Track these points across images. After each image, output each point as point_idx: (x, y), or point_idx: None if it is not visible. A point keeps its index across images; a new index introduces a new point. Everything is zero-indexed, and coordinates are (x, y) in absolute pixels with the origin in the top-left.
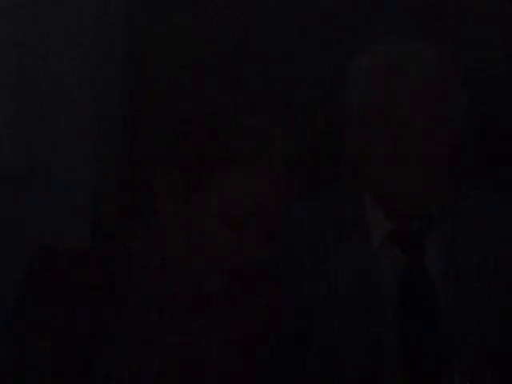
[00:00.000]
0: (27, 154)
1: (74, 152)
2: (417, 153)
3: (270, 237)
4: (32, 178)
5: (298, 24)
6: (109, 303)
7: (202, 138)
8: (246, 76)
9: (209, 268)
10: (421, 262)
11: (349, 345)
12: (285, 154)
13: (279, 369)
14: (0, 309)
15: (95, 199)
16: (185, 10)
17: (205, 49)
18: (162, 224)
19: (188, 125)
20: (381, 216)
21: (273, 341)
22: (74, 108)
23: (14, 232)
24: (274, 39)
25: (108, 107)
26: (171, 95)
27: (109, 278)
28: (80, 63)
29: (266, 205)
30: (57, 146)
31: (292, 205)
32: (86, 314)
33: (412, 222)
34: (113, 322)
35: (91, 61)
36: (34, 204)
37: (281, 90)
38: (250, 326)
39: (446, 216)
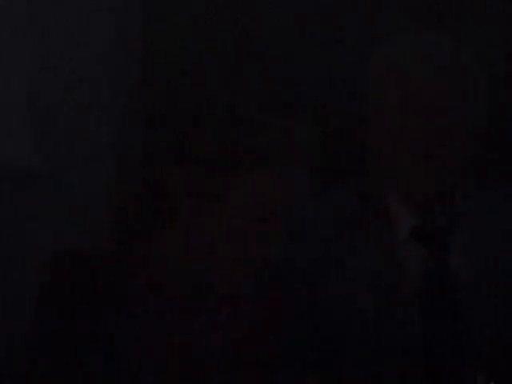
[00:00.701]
0: (46, 157)
1: (94, 154)
2: (441, 149)
3: (293, 236)
4: (51, 181)
5: (315, 23)
6: (128, 306)
7: (225, 138)
8: (270, 78)
9: (233, 268)
10: (445, 259)
11: (372, 343)
12: (307, 153)
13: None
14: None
15: (117, 202)
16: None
17: (221, 50)
18: (184, 225)
19: (210, 126)
20: (404, 212)
21: (288, 343)
22: (93, 110)
23: (33, 235)
24: (292, 40)
25: (127, 109)
26: (193, 96)
27: (129, 281)
28: (98, 64)
29: (289, 204)
30: (76, 148)
31: (313, 202)
32: (109, 315)
33: (436, 219)
34: (135, 323)
35: (109, 64)
36: (52, 206)
37: (303, 91)
38: (264, 329)
39: (470, 212)
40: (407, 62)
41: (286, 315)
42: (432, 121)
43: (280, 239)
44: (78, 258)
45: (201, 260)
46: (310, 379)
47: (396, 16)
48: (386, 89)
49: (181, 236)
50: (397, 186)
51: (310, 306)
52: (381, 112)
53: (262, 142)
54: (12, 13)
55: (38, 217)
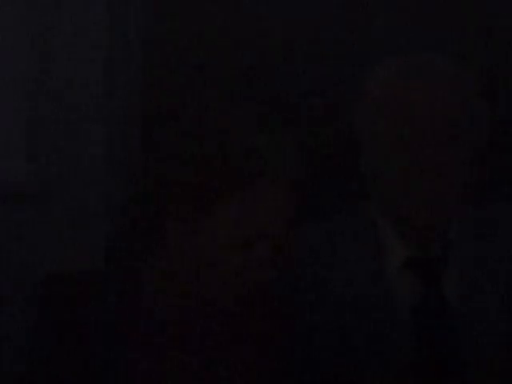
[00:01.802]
0: (39, 175)
1: (86, 173)
2: (433, 176)
3: (281, 258)
4: (44, 199)
5: (302, 39)
6: (120, 327)
7: (212, 159)
8: (255, 96)
9: (218, 289)
10: (439, 289)
11: (361, 371)
12: (293, 176)
13: None
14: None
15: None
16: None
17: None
18: (172, 246)
19: (197, 147)
20: (396, 241)
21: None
22: (87, 132)
23: (24, 256)
24: (282, 57)
25: (121, 129)
26: (182, 116)
27: (121, 300)
28: (93, 83)
29: (276, 226)
30: (69, 167)
31: (305, 228)
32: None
33: (430, 248)
34: (125, 344)
35: (106, 77)
36: (44, 226)
37: (292, 111)
38: (255, 350)
39: (465, 240)
40: (405, 86)
41: (275, 339)
42: (430, 148)
43: (265, 261)
44: (70, 278)
45: (189, 280)
46: None
47: (393, 36)
48: (381, 114)
49: (168, 259)
50: (392, 213)
51: (299, 328)
52: (375, 138)
53: (247, 163)
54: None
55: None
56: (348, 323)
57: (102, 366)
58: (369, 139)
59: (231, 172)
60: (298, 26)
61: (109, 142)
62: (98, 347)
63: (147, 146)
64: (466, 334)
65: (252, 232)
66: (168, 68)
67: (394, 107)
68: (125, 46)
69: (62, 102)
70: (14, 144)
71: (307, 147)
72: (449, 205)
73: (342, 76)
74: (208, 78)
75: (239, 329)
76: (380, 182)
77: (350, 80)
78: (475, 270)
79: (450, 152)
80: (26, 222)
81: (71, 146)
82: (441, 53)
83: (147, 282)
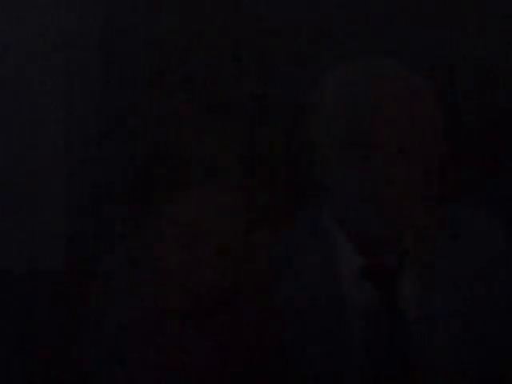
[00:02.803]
0: None
1: (44, 172)
2: (388, 185)
3: (226, 259)
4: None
5: (258, 49)
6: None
7: (158, 160)
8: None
9: (164, 290)
10: (393, 299)
11: (313, 380)
12: (240, 179)
13: None
14: None
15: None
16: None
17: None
18: (123, 247)
19: (144, 147)
20: (352, 251)
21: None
22: (45, 130)
23: None
24: (229, 59)
25: (79, 129)
26: (129, 120)
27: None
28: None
29: (221, 227)
30: (27, 166)
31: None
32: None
33: (384, 256)
34: (86, 340)
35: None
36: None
37: (241, 114)
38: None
39: (421, 250)
40: (357, 92)
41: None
42: (384, 157)
43: (211, 260)
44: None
45: (136, 284)
46: None
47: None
48: (332, 119)
49: (118, 259)
50: (345, 223)
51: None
52: (328, 145)
53: (192, 166)
54: None
55: None
56: (304, 335)
57: (54, 366)
58: (321, 147)
59: (177, 173)
60: (246, 27)
61: (68, 142)
62: (51, 345)
63: (102, 148)
64: (419, 342)
65: (197, 233)
66: (122, 70)
67: (344, 114)
68: (84, 48)
69: (19, 103)
70: None
71: (259, 150)
72: (404, 215)
73: (295, 80)
74: (156, 79)
75: (187, 330)
76: (333, 191)
77: (303, 84)
78: (430, 278)
79: (404, 161)
80: None
81: (29, 144)
82: (394, 58)
83: (99, 281)
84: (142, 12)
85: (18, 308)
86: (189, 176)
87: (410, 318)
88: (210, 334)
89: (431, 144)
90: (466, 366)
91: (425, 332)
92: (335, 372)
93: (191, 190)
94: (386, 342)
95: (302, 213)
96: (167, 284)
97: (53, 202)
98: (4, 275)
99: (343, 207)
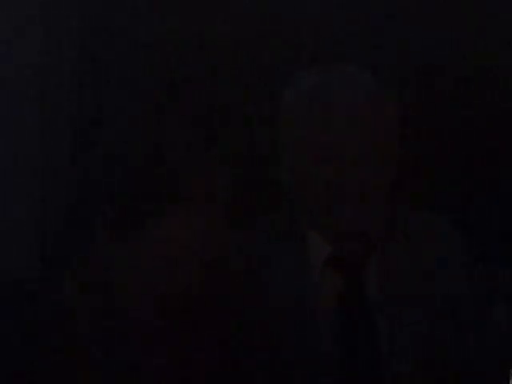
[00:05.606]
0: None
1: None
2: (352, 181)
3: (211, 273)
4: None
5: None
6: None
7: (140, 177)
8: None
9: (144, 301)
10: (359, 287)
11: (285, 372)
12: (222, 194)
13: None
14: None
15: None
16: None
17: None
18: (103, 260)
19: (127, 163)
20: (320, 240)
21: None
22: (19, 135)
23: None
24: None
25: (56, 136)
26: (112, 132)
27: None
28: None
29: (202, 243)
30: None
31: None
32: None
33: (352, 249)
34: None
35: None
36: None
37: (217, 128)
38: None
39: (386, 240)
40: (322, 97)
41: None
42: (349, 159)
43: (192, 276)
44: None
45: (116, 295)
46: None
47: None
48: (294, 128)
49: (98, 269)
50: (314, 221)
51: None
52: (292, 152)
53: (175, 181)
54: None
55: None
56: (273, 322)
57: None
58: (286, 150)
59: (163, 188)
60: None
61: (43, 148)
62: (26, 353)
63: (81, 156)
64: (384, 332)
65: (181, 248)
66: (101, 77)
67: (310, 119)
68: (59, 49)
69: None
70: None
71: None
72: (371, 214)
73: (261, 85)
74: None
75: (167, 342)
76: (299, 192)
77: (270, 89)
78: (398, 271)
79: (369, 163)
80: None
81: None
82: (357, 64)
83: (76, 291)
84: (121, 14)
85: None
86: (174, 192)
87: (375, 309)
88: (195, 339)
89: (387, 148)
90: (431, 352)
91: (390, 322)
92: (307, 359)
93: (176, 206)
94: (350, 329)
95: (274, 214)
96: (144, 295)
97: (28, 210)
98: None
99: (310, 208)
